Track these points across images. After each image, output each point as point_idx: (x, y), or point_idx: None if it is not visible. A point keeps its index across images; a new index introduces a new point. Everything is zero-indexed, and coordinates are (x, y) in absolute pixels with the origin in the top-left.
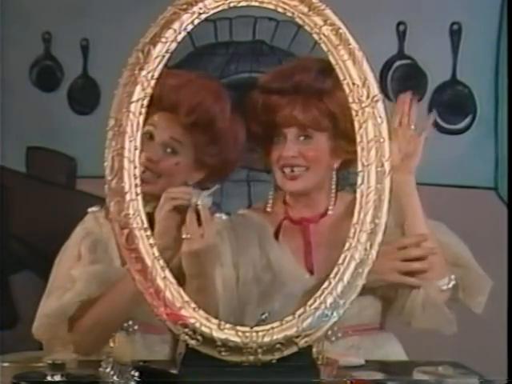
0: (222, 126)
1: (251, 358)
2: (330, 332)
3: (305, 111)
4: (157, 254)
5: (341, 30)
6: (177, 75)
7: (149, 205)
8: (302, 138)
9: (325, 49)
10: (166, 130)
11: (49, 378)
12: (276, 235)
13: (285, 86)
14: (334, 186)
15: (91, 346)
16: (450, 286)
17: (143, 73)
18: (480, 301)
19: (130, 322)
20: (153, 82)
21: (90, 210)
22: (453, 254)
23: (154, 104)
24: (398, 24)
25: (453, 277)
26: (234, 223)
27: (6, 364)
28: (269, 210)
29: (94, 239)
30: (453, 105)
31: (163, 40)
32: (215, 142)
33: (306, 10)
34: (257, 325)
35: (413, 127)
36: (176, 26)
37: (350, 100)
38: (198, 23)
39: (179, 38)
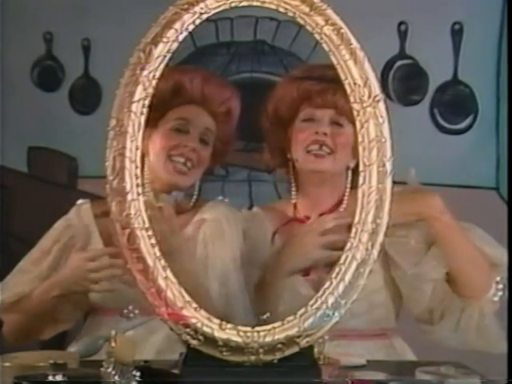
0: (235, 120)
1: (253, 357)
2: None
3: (345, 98)
4: (158, 254)
5: (342, 30)
6: (199, 70)
7: (158, 198)
8: (334, 124)
9: (326, 49)
10: (200, 121)
11: (50, 378)
12: (272, 237)
13: (326, 75)
14: (348, 186)
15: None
16: (501, 293)
17: (145, 73)
18: None
19: (131, 307)
20: (154, 82)
21: (78, 202)
22: (495, 261)
23: (180, 97)
24: (400, 24)
25: (498, 279)
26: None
27: (6, 364)
28: (293, 201)
29: (71, 236)
30: (454, 105)
31: (164, 40)
32: (231, 131)
33: (307, 9)
34: (258, 325)
35: None
36: (177, 25)
37: (352, 100)
38: (200, 23)
39: (180, 37)
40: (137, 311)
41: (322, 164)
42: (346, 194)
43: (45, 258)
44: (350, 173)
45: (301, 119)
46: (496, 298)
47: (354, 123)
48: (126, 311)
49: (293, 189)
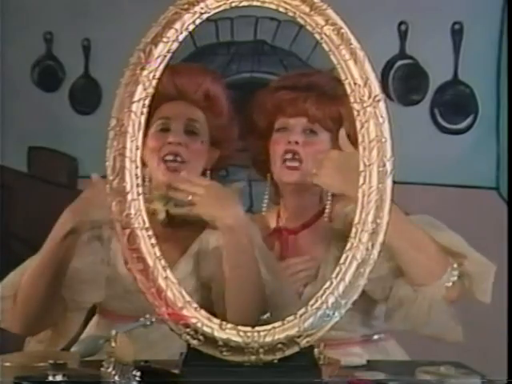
0: (223, 101)
1: (253, 357)
2: None
3: (317, 105)
4: (158, 253)
5: (342, 30)
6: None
7: (169, 203)
8: (307, 132)
9: (326, 49)
10: (180, 114)
11: (50, 378)
12: None
13: (299, 83)
14: (329, 194)
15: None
16: (454, 278)
17: (145, 72)
18: (485, 288)
19: (148, 316)
20: (154, 82)
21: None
22: (448, 245)
23: (157, 99)
24: (400, 24)
25: (455, 265)
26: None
27: (7, 364)
28: (263, 213)
29: None
30: (454, 105)
31: (165, 40)
32: (222, 114)
33: (307, 9)
34: (258, 324)
35: None
36: (177, 25)
37: (352, 100)
38: (200, 23)
39: (181, 37)
40: (154, 319)
41: (293, 176)
42: (328, 202)
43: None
44: None
45: (276, 129)
46: (449, 284)
47: (327, 129)
48: (142, 319)
49: (265, 200)
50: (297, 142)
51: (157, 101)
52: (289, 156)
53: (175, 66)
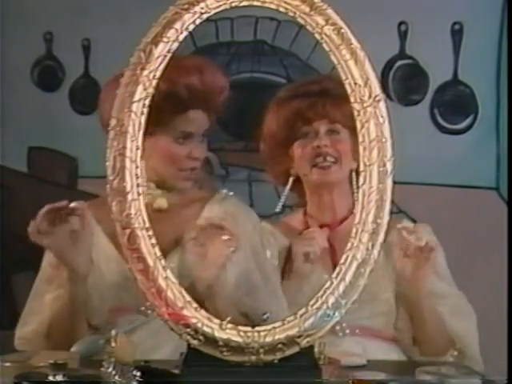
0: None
1: (253, 357)
2: (338, 327)
3: (335, 107)
4: (158, 253)
5: (342, 30)
6: (192, 69)
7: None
8: (331, 132)
9: (326, 49)
10: (202, 125)
11: (50, 378)
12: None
13: (312, 90)
14: (354, 188)
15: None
16: None
17: (145, 72)
18: None
19: (148, 304)
20: (154, 82)
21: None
22: (451, 333)
23: (183, 103)
24: (400, 24)
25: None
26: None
27: (7, 364)
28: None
29: None
30: (454, 105)
31: (165, 40)
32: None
33: (307, 9)
34: (258, 325)
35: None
36: (178, 25)
37: (352, 100)
38: (200, 23)
39: (181, 37)
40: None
41: (327, 176)
42: (356, 196)
43: (57, 272)
44: (354, 175)
45: (299, 136)
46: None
47: (348, 127)
48: (143, 308)
49: (279, 204)
50: (326, 145)
51: (183, 105)
52: (320, 159)
53: (201, 67)
